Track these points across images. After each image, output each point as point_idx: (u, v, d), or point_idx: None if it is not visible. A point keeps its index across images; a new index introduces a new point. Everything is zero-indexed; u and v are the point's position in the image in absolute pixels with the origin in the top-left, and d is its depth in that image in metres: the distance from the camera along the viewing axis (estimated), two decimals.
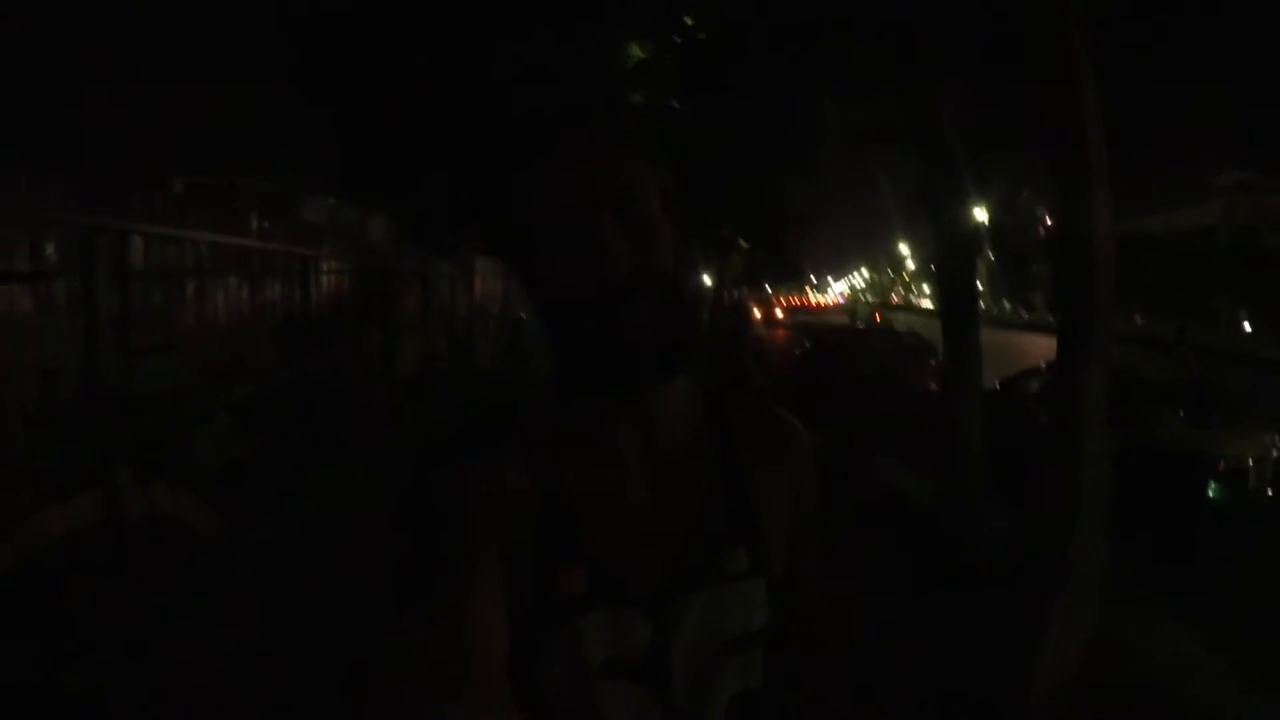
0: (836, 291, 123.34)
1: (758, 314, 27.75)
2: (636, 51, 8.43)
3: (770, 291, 52.38)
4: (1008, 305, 60.57)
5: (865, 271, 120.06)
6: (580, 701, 0.69)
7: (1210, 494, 5.60)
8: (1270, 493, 5.73)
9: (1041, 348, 9.26)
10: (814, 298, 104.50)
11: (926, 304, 68.95)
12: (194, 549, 3.62)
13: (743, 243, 20.09)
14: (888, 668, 2.85)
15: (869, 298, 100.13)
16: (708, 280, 22.11)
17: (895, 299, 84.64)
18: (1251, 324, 35.70)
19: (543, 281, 0.69)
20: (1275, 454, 5.84)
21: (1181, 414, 6.13)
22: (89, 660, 2.73)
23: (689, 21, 8.01)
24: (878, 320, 28.87)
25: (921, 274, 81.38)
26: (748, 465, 0.80)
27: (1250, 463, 5.66)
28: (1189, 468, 5.66)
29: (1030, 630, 2.38)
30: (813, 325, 23.79)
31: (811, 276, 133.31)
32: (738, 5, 6.60)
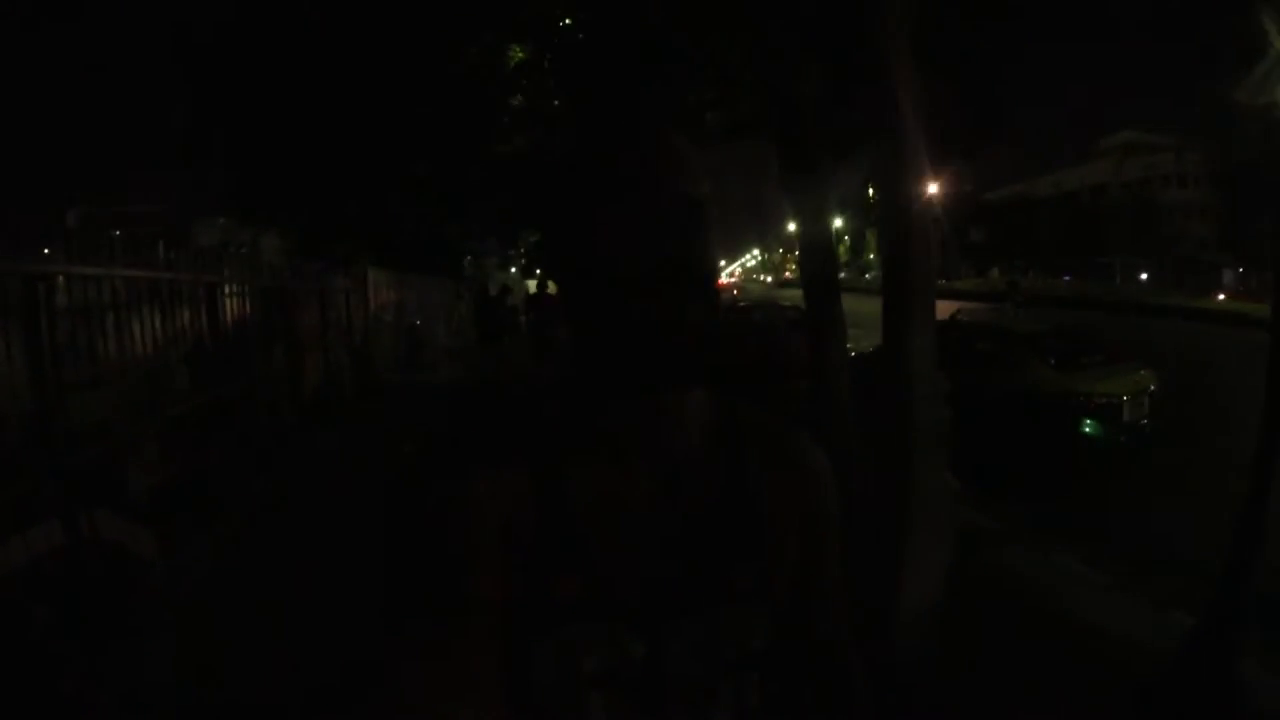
0: (728, 273, 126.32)
1: None
2: (517, 53, 8.66)
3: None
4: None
5: (758, 252, 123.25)
6: (570, 711, 0.69)
7: (1085, 429, 6.27)
8: (1146, 424, 6.45)
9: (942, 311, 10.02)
10: (725, 277, 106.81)
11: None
12: (137, 573, 3.75)
13: None
14: None
15: (762, 277, 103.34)
16: None
17: (788, 275, 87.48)
18: (1148, 275, 38.35)
19: (604, 274, 0.67)
20: (1151, 389, 6.57)
21: (1052, 361, 6.82)
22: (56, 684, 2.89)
23: (567, 22, 8.31)
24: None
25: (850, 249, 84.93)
26: (758, 483, 0.78)
27: (1124, 399, 6.33)
28: (1057, 407, 6.36)
29: (889, 563, 2.86)
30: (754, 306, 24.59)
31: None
32: (608, 10, 6.99)
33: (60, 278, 3.24)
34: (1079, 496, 5.88)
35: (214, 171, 12.37)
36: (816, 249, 4.94)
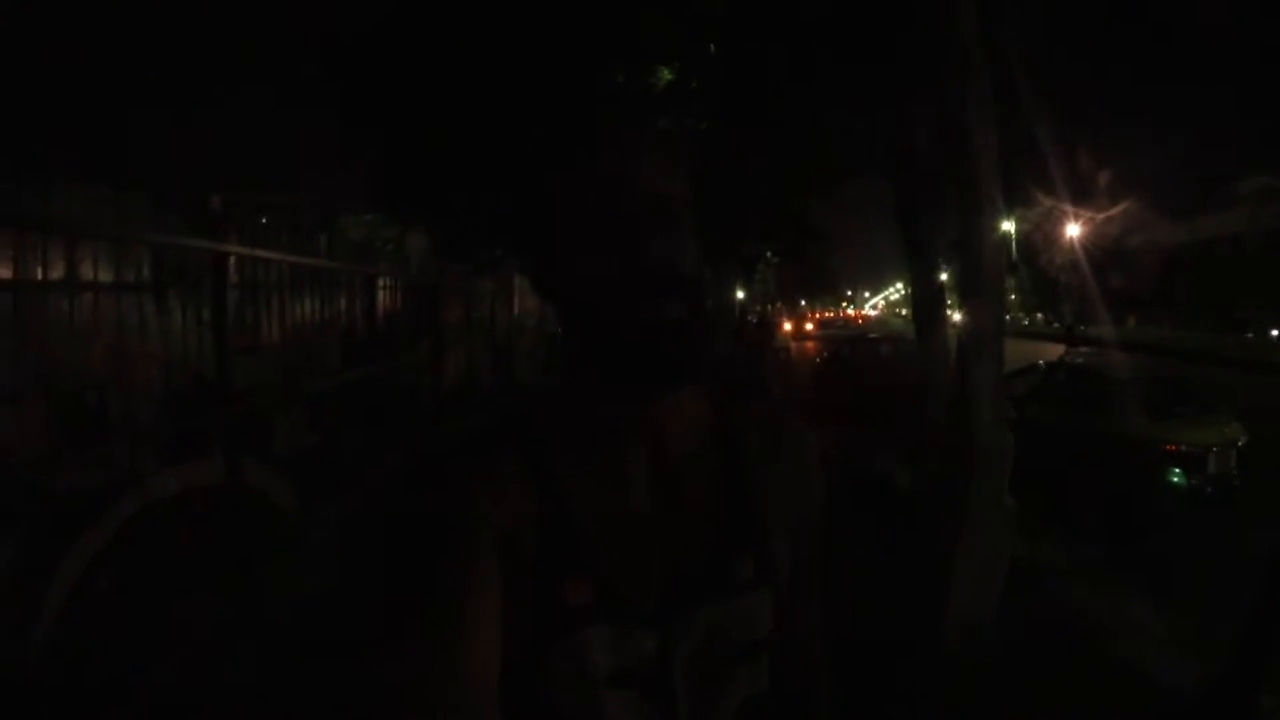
0: (871, 305, 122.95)
1: (787, 326, 28.20)
2: (665, 74, 9.01)
3: (804, 305, 52.74)
4: (1040, 316, 60.40)
5: (901, 286, 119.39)
6: (585, 713, 0.69)
7: (1170, 478, 6.15)
8: (1236, 476, 6.25)
9: (1057, 352, 9.66)
10: (849, 311, 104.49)
11: (957, 315, 69.11)
12: (274, 519, 4.28)
13: (770, 256, 20.54)
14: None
15: (903, 311, 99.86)
16: (740, 294, 22.56)
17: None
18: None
19: (574, 276, 0.70)
20: (1240, 443, 6.37)
21: (1143, 408, 6.66)
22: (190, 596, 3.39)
23: (713, 49, 8.58)
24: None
25: (954, 287, 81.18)
26: (753, 472, 0.80)
27: (1211, 450, 6.16)
28: (1143, 453, 6.26)
29: (942, 572, 2.90)
30: (839, 337, 24.25)
31: (848, 291, 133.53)
32: (752, 39, 7.21)
33: (234, 258, 3.80)
34: (1157, 543, 5.91)
35: (362, 168, 13.24)
36: (925, 285, 4.98)
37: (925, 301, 5.01)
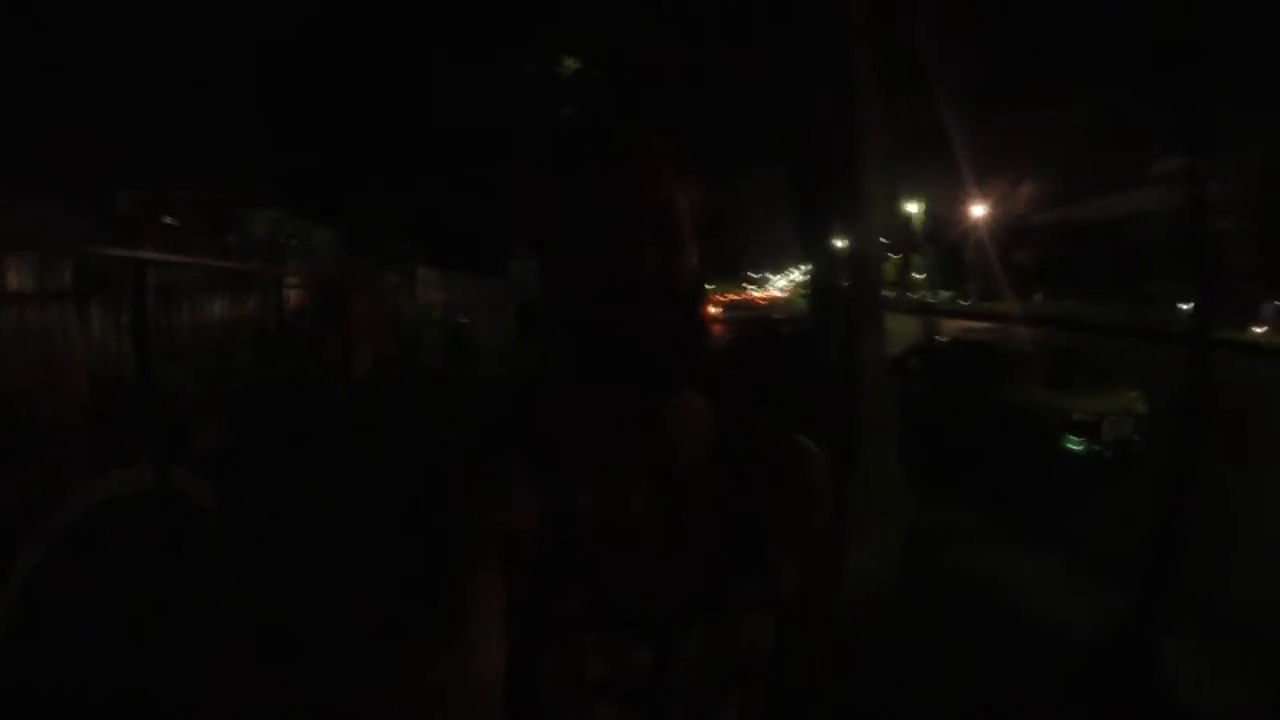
0: (777, 287, 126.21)
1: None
2: (571, 64, 9.16)
3: (709, 289, 53.74)
4: (945, 294, 63.36)
5: (806, 267, 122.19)
6: None
7: (1067, 445, 6.64)
8: (1133, 441, 6.77)
9: (955, 329, 10.25)
10: (753, 293, 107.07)
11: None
12: (197, 520, 4.34)
13: None
14: None
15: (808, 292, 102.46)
16: None
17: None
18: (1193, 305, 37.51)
19: (572, 281, 0.70)
20: (1138, 411, 6.87)
21: (1039, 378, 7.20)
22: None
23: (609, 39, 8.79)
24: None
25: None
26: (760, 489, 0.79)
27: (1105, 417, 6.68)
28: (1039, 421, 6.74)
29: (836, 539, 3.27)
30: (743, 320, 24.99)
31: (751, 274, 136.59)
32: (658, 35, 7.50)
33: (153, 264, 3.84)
34: (1055, 505, 6.25)
35: (269, 164, 12.87)
36: (820, 265, 5.37)
37: (821, 283, 5.39)
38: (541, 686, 0.67)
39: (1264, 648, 3.48)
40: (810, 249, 5.38)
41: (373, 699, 0.53)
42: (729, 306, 40.60)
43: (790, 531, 0.79)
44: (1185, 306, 37.48)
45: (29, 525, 2.98)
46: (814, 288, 5.47)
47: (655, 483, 0.74)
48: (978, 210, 40.43)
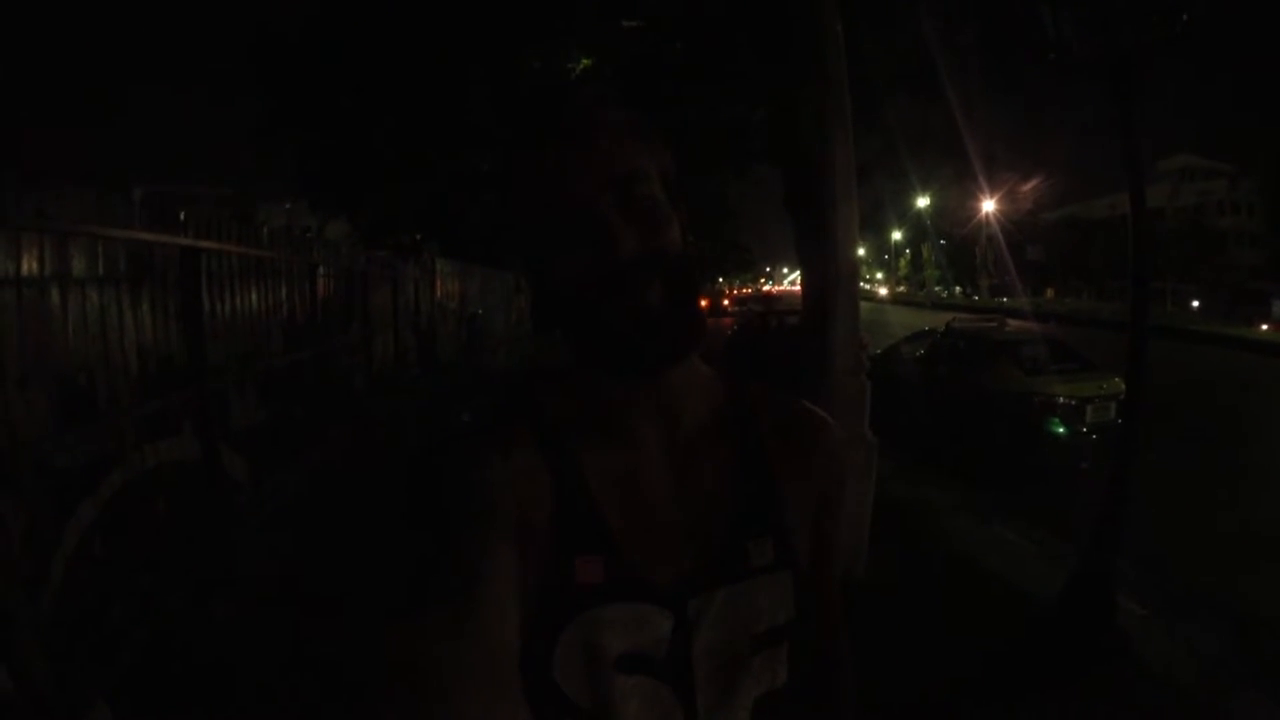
0: (790, 281, 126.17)
1: (703, 304, 28.95)
2: (585, 61, 9.37)
3: (721, 283, 53.96)
4: (958, 289, 63.27)
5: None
6: (597, 696, 0.67)
7: (1052, 428, 6.97)
8: (1116, 425, 6.91)
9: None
10: (767, 287, 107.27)
11: (882, 291, 72.67)
12: (232, 490, 4.63)
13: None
14: None
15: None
16: None
17: (901, 288, 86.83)
18: (1200, 302, 37.60)
19: (552, 267, 0.69)
20: (1121, 394, 7.01)
21: (1023, 366, 7.53)
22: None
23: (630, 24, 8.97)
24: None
25: (873, 261, 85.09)
26: (772, 456, 0.78)
27: (1087, 402, 6.99)
28: (1018, 405, 7.10)
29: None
30: (755, 312, 25.24)
31: (767, 268, 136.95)
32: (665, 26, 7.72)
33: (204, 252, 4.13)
34: (1037, 485, 6.71)
35: (282, 156, 13.09)
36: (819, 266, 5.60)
37: (815, 280, 5.61)
38: (560, 660, 0.66)
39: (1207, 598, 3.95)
40: (804, 251, 5.57)
41: (385, 676, 0.50)
42: (740, 300, 40.70)
43: (803, 496, 0.79)
44: (1195, 304, 37.47)
45: (88, 488, 3.28)
46: (807, 284, 5.71)
47: (665, 452, 0.74)
48: (988, 205, 40.38)
